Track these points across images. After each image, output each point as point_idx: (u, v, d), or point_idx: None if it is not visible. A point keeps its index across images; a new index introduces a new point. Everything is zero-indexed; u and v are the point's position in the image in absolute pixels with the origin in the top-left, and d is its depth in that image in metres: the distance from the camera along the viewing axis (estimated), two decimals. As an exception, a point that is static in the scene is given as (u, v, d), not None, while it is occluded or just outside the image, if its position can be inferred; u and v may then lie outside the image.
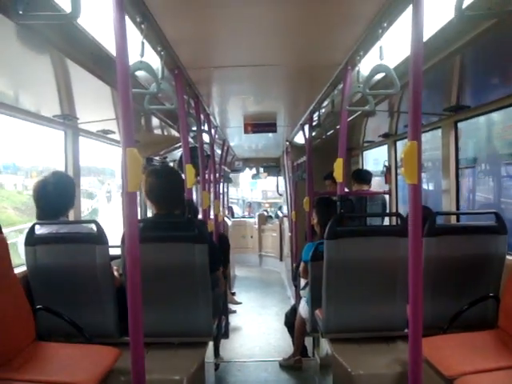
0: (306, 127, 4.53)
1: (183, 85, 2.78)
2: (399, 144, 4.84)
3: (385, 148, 5.13)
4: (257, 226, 10.48)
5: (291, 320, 4.01)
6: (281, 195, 10.66)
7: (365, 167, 5.96)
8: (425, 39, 1.62)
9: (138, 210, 4.49)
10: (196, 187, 5.70)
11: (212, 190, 4.95)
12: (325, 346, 2.81)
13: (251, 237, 10.63)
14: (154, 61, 2.17)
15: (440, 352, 2.13)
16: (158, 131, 4.25)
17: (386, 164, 5.03)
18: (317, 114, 4.14)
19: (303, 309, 3.52)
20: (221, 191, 7.55)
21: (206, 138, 4.32)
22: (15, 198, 8.85)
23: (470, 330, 2.35)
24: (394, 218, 4.46)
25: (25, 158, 8.63)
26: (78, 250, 2.47)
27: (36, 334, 2.26)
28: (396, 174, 4.96)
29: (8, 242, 2.20)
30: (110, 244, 2.52)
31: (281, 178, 10.00)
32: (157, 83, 2.13)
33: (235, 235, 9.57)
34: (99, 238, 2.49)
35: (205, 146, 4.23)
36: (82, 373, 1.95)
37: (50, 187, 2.65)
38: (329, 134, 4.63)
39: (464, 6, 1.46)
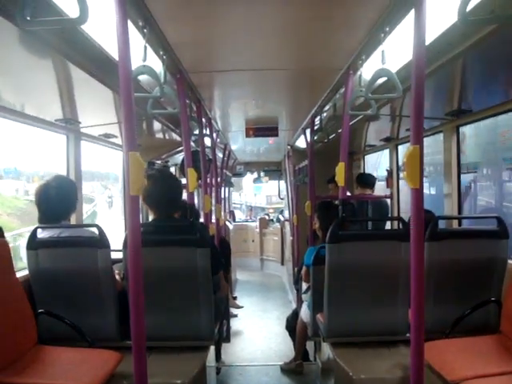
0: (308, 131, 4.53)
1: (185, 89, 2.79)
2: (401, 148, 4.84)
3: (383, 153, 5.13)
4: (258, 230, 10.47)
5: (292, 324, 4.00)
6: (282, 199, 10.66)
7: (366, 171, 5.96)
8: (427, 43, 1.62)
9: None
10: (198, 191, 5.70)
11: (214, 194, 4.95)
12: (326, 350, 2.80)
13: (252, 241, 10.62)
14: (156, 65, 2.18)
15: (442, 356, 2.12)
16: (159, 135, 4.26)
17: (388, 168, 5.04)
18: (318, 118, 4.14)
19: (305, 313, 3.51)
20: (222, 195, 7.56)
21: (207, 142, 4.32)
22: (11, 204, 8.56)
23: (472, 335, 2.34)
24: (395, 223, 4.45)
25: (27, 163, 8.49)
26: (79, 253, 2.47)
27: (38, 337, 2.26)
28: (398, 178, 4.95)
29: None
30: (111, 248, 2.52)
31: (282, 182, 10.01)
32: (160, 87, 2.14)
33: (236, 239, 9.57)
34: (101, 241, 2.48)
35: (206, 150, 4.23)
36: (83, 377, 1.95)
37: (51, 191, 2.65)
38: (331, 138, 4.64)
39: (467, 10, 1.45)
